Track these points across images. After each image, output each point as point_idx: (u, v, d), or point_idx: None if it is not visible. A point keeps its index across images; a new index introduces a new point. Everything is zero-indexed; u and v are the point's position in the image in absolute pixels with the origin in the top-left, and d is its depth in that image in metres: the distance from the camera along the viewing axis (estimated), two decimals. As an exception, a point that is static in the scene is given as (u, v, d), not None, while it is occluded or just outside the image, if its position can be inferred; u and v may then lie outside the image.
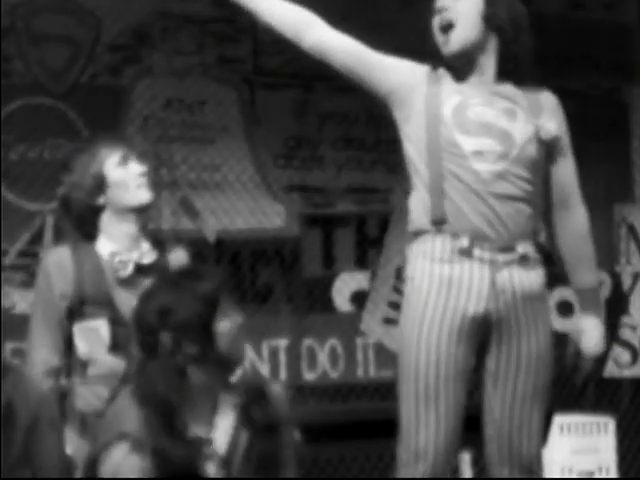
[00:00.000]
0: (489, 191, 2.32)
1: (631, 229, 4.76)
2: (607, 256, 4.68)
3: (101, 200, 2.52)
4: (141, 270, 2.48)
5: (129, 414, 2.01)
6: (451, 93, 2.37)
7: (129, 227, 2.53)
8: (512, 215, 2.34)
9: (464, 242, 2.32)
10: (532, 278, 2.38)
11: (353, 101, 4.32)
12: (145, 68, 4.02)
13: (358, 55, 2.48)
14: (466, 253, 2.32)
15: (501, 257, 2.34)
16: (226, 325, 2.04)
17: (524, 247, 2.36)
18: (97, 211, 2.53)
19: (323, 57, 2.50)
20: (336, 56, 2.49)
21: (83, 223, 2.55)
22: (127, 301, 2.40)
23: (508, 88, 2.43)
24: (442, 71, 2.42)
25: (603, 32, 4.75)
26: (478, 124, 2.35)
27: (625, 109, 4.84)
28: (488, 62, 2.40)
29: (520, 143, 2.38)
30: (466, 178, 2.32)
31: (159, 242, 2.59)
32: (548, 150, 2.44)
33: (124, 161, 2.54)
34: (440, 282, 2.31)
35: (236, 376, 2.12)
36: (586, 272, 2.50)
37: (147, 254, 2.52)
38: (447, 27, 2.39)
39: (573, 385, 4.47)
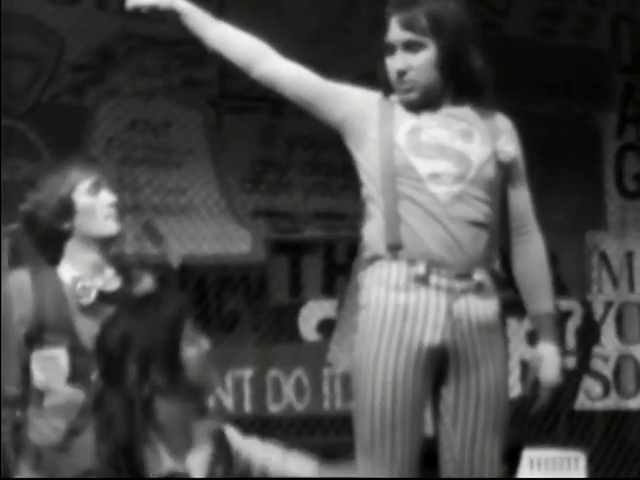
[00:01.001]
0: (447, 214, 2.31)
1: (603, 257, 4.79)
2: (578, 284, 4.72)
3: (67, 225, 2.49)
4: (104, 297, 2.45)
5: (94, 450, 1.98)
6: (405, 118, 2.38)
7: (93, 255, 2.51)
8: (470, 240, 2.32)
9: (420, 269, 2.30)
10: (488, 307, 2.36)
11: (322, 125, 4.31)
12: (109, 89, 4.00)
13: (309, 85, 2.50)
14: (422, 280, 2.30)
15: (458, 285, 2.31)
16: (193, 352, 2.02)
17: (480, 274, 2.34)
18: (62, 235, 2.50)
19: (273, 86, 2.52)
20: (286, 86, 2.51)
21: (46, 245, 2.52)
22: (88, 329, 2.37)
23: (465, 110, 2.43)
24: (395, 97, 2.42)
25: (574, 57, 4.80)
26: (433, 146, 2.35)
27: (597, 135, 4.88)
28: (440, 84, 2.40)
29: (477, 164, 2.37)
30: (422, 201, 2.31)
31: (123, 269, 2.56)
32: (506, 174, 2.43)
33: (95, 189, 2.52)
34: (395, 311, 2.29)
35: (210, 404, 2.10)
36: (542, 298, 2.47)
37: (111, 281, 2.50)
38: (402, 73, 2.39)
39: (544, 419, 4.50)
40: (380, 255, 2.32)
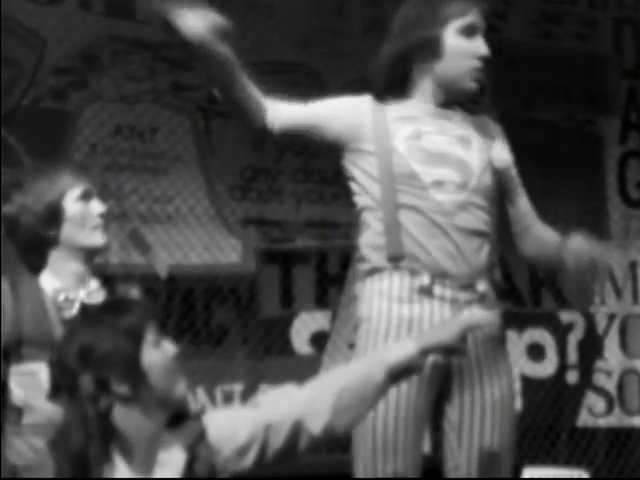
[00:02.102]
0: (452, 224, 2.30)
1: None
2: (580, 296, 4.70)
3: (52, 232, 2.44)
4: (87, 310, 2.41)
5: (48, 469, 1.94)
6: (400, 123, 2.35)
7: (77, 266, 2.46)
8: (473, 250, 2.32)
9: (424, 280, 2.28)
10: (491, 318, 2.35)
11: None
12: (93, 93, 3.96)
13: (310, 117, 2.45)
14: (426, 291, 2.29)
15: (462, 295, 2.31)
16: (157, 357, 1.98)
17: (483, 285, 2.34)
18: (45, 242, 2.45)
19: (296, 136, 2.50)
20: (304, 130, 2.47)
21: (29, 252, 2.46)
22: None
23: (458, 115, 2.42)
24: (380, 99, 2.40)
25: (576, 62, 4.79)
26: (435, 153, 2.34)
27: (599, 141, 4.87)
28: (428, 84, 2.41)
29: (477, 172, 2.36)
30: (427, 210, 2.30)
31: (108, 281, 2.52)
32: (500, 179, 2.44)
33: (86, 197, 2.48)
34: (399, 324, 2.27)
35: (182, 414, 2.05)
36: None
37: (95, 293, 2.44)
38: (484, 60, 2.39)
39: (545, 436, 4.47)
40: (380, 266, 2.30)
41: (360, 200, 2.37)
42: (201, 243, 4.12)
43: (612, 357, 4.67)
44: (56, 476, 1.92)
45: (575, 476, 3.49)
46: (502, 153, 2.45)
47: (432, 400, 2.31)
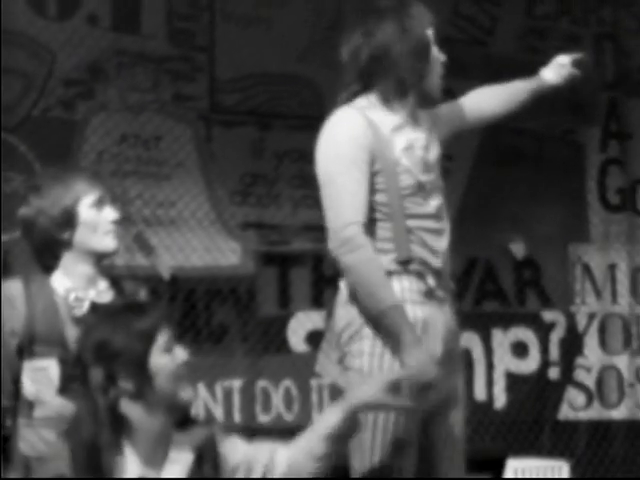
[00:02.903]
0: (441, 228, 2.35)
1: (586, 269, 4.79)
2: (562, 296, 4.71)
3: (65, 235, 2.46)
4: (96, 309, 2.41)
5: (59, 460, 1.97)
6: (395, 135, 2.34)
7: (88, 267, 2.48)
8: (448, 251, 2.37)
9: (430, 282, 2.31)
10: (453, 314, 2.41)
11: (309, 138, 4.30)
12: (99, 103, 3.99)
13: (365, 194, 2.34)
14: (430, 294, 2.32)
15: (445, 294, 2.36)
16: (166, 362, 2.00)
17: (452, 282, 2.41)
18: (59, 244, 2.47)
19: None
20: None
21: (43, 253, 2.49)
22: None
23: (423, 114, 2.44)
24: (366, 108, 2.36)
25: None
26: (425, 162, 2.36)
27: (581, 150, 4.89)
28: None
29: (439, 174, 2.41)
30: (428, 216, 2.33)
31: (116, 281, 2.53)
32: (449, 127, 2.53)
33: (100, 204, 2.49)
34: (415, 324, 2.27)
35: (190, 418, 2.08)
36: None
37: (104, 293, 2.47)
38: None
39: (529, 430, 4.49)
40: (389, 270, 2.30)
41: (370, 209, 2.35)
42: (202, 246, 4.13)
43: (592, 354, 4.70)
44: (71, 464, 1.95)
45: (557, 467, 3.51)
46: (441, 122, 2.47)
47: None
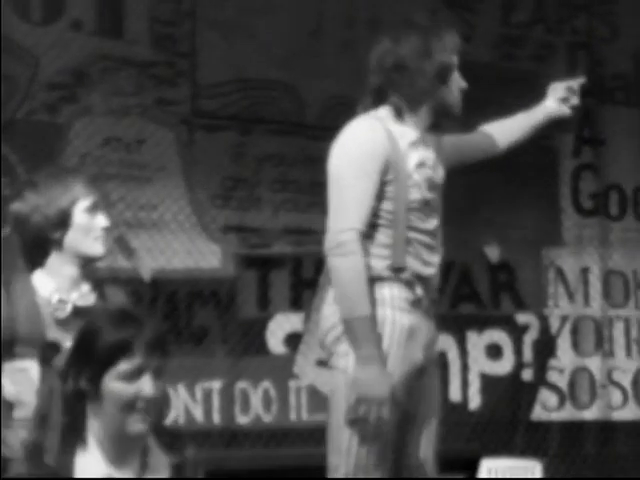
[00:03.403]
0: (435, 245, 2.39)
1: (559, 272, 4.81)
2: (536, 299, 4.73)
3: (57, 235, 2.44)
4: (79, 312, 2.39)
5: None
6: (410, 150, 2.38)
7: (73, 269, 2.46)
8: (439, 266, 2.42)
9: (418, 292, 2.36)
10: (434, 323, 2.45)
11: (290, 144, 4.33)
12: (83, 107, 3.97)
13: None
14: (417, 303, 2.36)
15: (429, 304, 2.41)
16: (121, 391, 1.91)
17: (435, 293, 2.45)
18: (48, 243, 2.45)
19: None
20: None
21: (33, 250, 2.46)
22: (62, 342, 2.32)
23: (430, 137, 2.46)
24: (386, 118, 2.39)
25: (534, 82, 4.83)
26: (432, 181, 2.40)
27: (555, 155, 4.91)
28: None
29: (441, 196, 2.46)
30: (425, 231, 2.37)
31: (98, 284, 2.51)
32: (451, 158, 2.54)
33: (94, 209, 2.47)
34: (401, 332, 2.32)
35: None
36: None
37: (86, 296, 2.45)
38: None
39: (503, 430, 4.50)
40: (382, 275, 2.33)
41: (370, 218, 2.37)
42: (184, 248, 4.12)
43: (564, 356, 4.71)
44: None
45: (530, 467, 3.52)
46: (443, 151, 2.48)
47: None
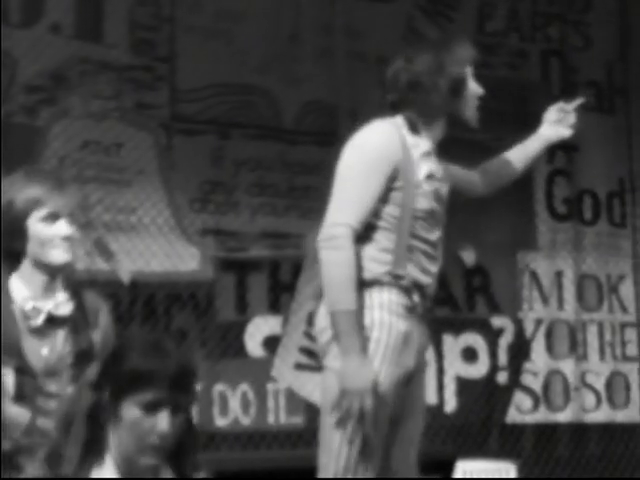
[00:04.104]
0: (436, 256, 2.41)
1: (534, 276, 4.80)
2: (510, 302, 4.72)
3: (18, 245, 2.34)
4: (54, 321, 2.32)
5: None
6: (422, 161, 2.38)
7: (44, 278, 2.36)
8: (437, 275, 2.44)
9: (415, 299, 2.36)
10: (427, 330, 2.46)
11: (268, 148, 4.31)
12: (61, 110, 3.92)
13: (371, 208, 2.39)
14: (413, 309, 2.36)
15: (424, 312, 2.41)
16: (145, 425, 1.87)
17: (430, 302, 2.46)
18: (15, 252, 2.35)
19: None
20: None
21: (5, 255, 2.36)
22: (36, 350, 2.27)
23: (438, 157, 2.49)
24: (402, 126, 2.41)
25: (508, 89, 4.83)
26: (438, 193, 2.41)
27: (529, 161, 4.91)
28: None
29: (445, 210, 2.48)
30: (428, 241, 2.38)
31: (76, 293, 2.41)
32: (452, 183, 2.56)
33: (51, 218, 2.34)
34: (397, 337, 2.32)
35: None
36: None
37: (62, 305, 2.35)
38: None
39: (477, 432, 4.48)
40: (381, 280, 2.34)
41: (373, 220, 2.36)
42: (162, 251, 4.08)
43: (538, 359, 4.71)
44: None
45: (504, 469, 3.51)
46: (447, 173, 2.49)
47: None
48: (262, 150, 4.27)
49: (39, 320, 2.32)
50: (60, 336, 2.33)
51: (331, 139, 4.28)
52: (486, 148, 4.73)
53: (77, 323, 2.36)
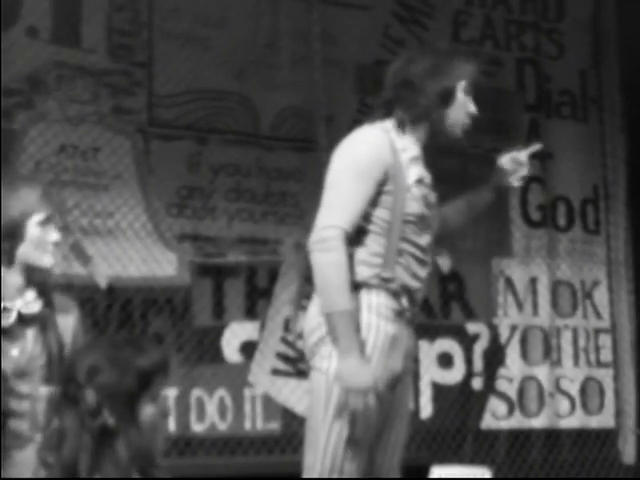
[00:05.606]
0: (426, 260, 2.40)
1: (508, 282, 4.80)
2: (485, 308, 4.72)
3: (6, 245, 2.36)
4: (23, 320, 2.33)
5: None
6: (411, 165, 2.38)
7: (18, 279, 2.38)
8: (427, 280, 2.43)
9: (404, 303, 2.35)
10: (414, 335, 2.45)
11: (245, 154, 4.29)
12: (38, 114, 3.88)
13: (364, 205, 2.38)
14: (401, 313, 2.35)
15: (412, 316, 2.41)
16: (152, 411, 1.85)
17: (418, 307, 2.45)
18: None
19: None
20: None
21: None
22: (6, 351, 2.26)
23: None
24: (390, 130, 2.41)
25: (483, 96, 4.82)
26: (428, 199, 2.41)
27: (503, 168, 4.91)
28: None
29: (435, 215, 2.47)
30: (418, 245, 2.38)
31: (43, 292, 2.41)
32: None
33: (47, 223, 2.40)
34: (385, 339, 2.31)
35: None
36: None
37: (31, 304, 2.37)
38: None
39: (452, 438, 4.47)
40: (370, 283, 2.33)
41: (364, 224, 2.36)
42: (139, 256, 4.04)
43: (513, 365, 4.70)
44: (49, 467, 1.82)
45: (479, 475, 3.50)
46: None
47: None
48: (239, 156, 4.24)
49: (10, 319, 2.32)
50: (30, 336, 2.33)
51: (308, 145, 4.27)
52: (463, 155, 4.77)
53: (46, 322, 2.35)
